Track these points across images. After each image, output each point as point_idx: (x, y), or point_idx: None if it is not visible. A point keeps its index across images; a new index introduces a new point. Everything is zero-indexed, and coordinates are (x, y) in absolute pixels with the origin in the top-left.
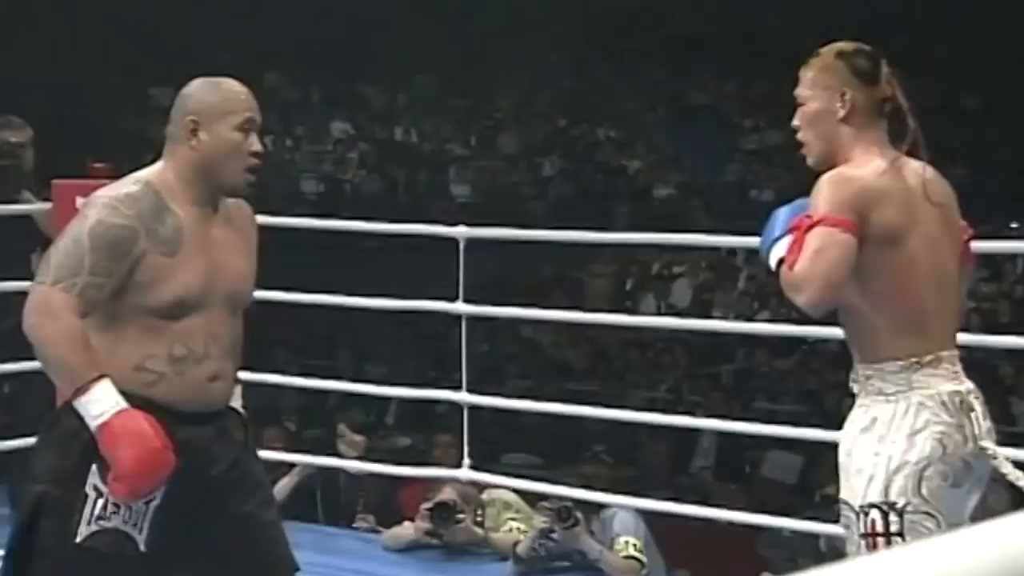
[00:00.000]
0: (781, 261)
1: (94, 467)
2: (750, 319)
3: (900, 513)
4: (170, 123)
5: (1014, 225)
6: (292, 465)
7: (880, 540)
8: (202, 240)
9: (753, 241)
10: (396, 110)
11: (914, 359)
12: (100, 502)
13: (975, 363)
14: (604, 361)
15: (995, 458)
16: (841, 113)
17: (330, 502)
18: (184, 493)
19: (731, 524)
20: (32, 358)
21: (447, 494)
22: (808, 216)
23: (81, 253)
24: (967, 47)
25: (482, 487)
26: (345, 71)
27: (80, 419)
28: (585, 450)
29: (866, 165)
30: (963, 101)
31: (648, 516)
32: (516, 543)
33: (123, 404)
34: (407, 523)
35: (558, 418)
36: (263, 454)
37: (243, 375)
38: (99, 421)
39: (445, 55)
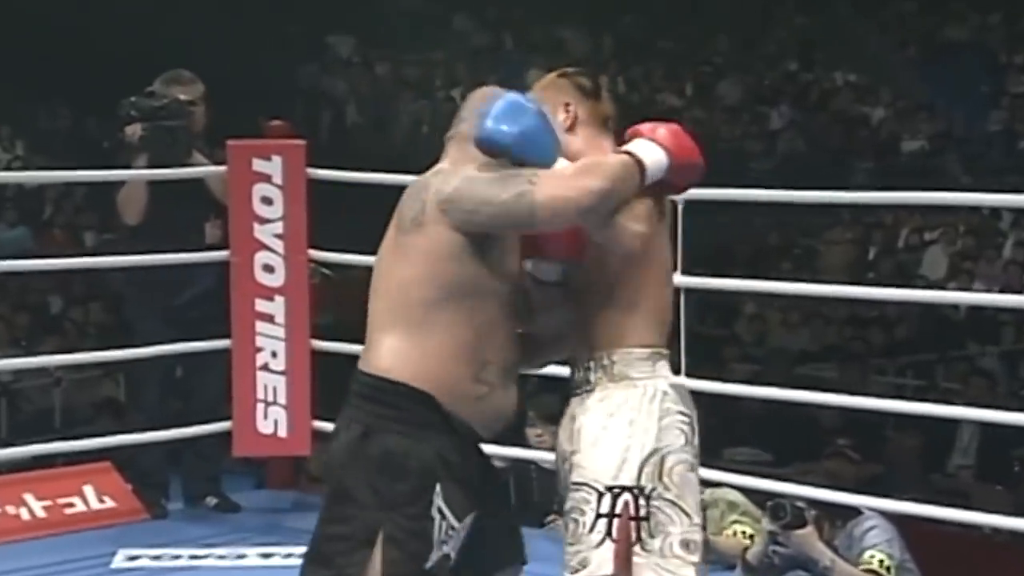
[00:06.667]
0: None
1: (438, 487)
2: (1018, 292)
3: (648, 498)
4: (463, 122)
5: None
6: None
7: (631, 523)
8: None
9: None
10: (600, 56)
11: (653, 350)
12: (444, 525)
13: None
14: (842, 342)
15: None
16: (567, 124)
17: (521, 499)
18: (487, 517)
19: (996, 531)
20: (206, 338)
21: None
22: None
23: (491, 173)
24: None
25: (703, 486)
26: (542, 13)
27: (406, 434)
28: (822, 444)
29: None
30: None
31: (897, 519)
32: (745, 549)
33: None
34: None
35: (788, 407)
36: None
37: None
38: (656, 155)
39: None
